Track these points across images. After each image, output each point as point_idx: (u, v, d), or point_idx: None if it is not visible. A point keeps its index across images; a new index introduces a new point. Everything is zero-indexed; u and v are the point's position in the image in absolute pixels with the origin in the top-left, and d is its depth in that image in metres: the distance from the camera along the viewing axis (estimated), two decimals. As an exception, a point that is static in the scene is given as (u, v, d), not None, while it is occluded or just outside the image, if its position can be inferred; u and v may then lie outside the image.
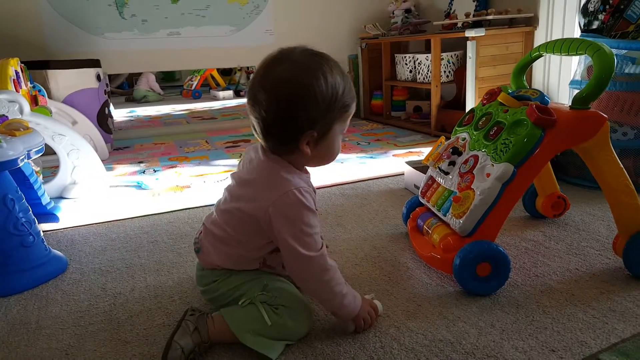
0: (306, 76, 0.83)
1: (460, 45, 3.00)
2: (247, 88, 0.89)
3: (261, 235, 0.92)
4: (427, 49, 3.23)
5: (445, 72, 2.96)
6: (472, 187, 1.12)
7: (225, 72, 6.54)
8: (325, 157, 0.94)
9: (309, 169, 0.98)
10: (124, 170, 2.43)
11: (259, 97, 0.85)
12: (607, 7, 1.74)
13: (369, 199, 1.80)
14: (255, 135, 0.91)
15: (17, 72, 2.05)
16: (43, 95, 2.36)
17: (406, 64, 3.19)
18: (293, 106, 0.84)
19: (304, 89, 0.83)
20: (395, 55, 3.32)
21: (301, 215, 0.87)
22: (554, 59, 2.50)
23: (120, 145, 3.08)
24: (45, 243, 1.33)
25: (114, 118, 3.15)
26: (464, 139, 1.27)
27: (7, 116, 1.62)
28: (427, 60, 2.98)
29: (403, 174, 2.02)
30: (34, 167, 1.71)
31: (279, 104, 0.84)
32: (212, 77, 6.17)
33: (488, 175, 1.10)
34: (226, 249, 0.97)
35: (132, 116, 4.51)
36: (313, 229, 0.89)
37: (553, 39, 1.57)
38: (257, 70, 0.87)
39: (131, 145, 3.10)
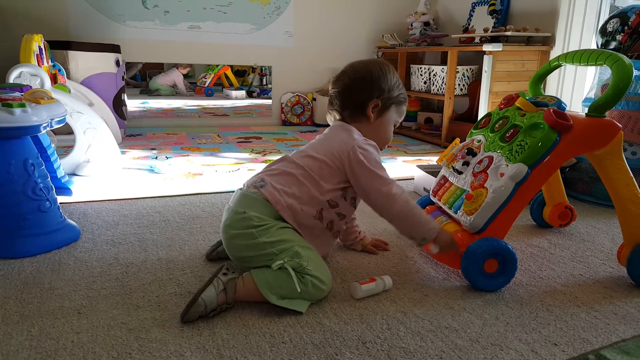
0: (380, 66, 1.18)
1: (475, 60, 3.04)
2: (336, 75, 1.20)
3: (337, 176, 1.11)
4: (443, 62, 3.27)
5: (459, 85, 3.00)
6: (485, 185, 1.15)
7: (239, 74, 6.59)
8: (380, 133, 1.19)
9: None
10: (136, 155, 2.46)
11: (346, 71, 1.19)
12: (626, 28, 1.77)
13: (377, 198, 1.82)
14: (330, 108, 1.21)
15: (40, 48, 2.09)
16: (62, 75, 2.40)
17: (421, 75, 3.23)
18: (369, 77, 1.16)
19: (378, 70, 1.17)
20: (411, 65, 3.35)
21: (378, 155, 1.13)
22: (569, 75, 2.53)
23: (133, 133, 3.12)
24: (60, 211, 1.36)
25: (127, 107, 3.19)
26: (479, 141, 1.29)
27: (30, 86, 1.66)
28: (443, 72, 3.02)
29: (412, 179, 2.05)
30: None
31: (359, 75, 1.17)
32: (226, 77, 6.22)
33: (502, 174, 1.12)
34: (298, 186, 1.08)
35: (144, 107, 4.55)
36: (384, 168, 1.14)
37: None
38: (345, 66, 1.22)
39: (144, 133, 3.14)
